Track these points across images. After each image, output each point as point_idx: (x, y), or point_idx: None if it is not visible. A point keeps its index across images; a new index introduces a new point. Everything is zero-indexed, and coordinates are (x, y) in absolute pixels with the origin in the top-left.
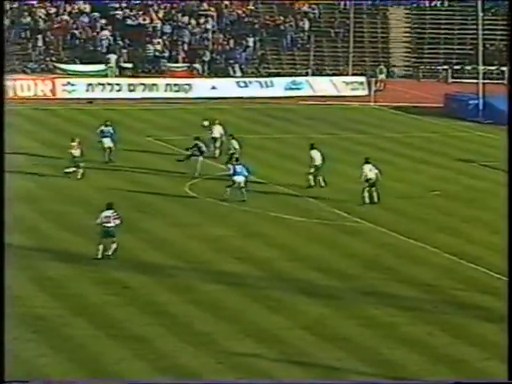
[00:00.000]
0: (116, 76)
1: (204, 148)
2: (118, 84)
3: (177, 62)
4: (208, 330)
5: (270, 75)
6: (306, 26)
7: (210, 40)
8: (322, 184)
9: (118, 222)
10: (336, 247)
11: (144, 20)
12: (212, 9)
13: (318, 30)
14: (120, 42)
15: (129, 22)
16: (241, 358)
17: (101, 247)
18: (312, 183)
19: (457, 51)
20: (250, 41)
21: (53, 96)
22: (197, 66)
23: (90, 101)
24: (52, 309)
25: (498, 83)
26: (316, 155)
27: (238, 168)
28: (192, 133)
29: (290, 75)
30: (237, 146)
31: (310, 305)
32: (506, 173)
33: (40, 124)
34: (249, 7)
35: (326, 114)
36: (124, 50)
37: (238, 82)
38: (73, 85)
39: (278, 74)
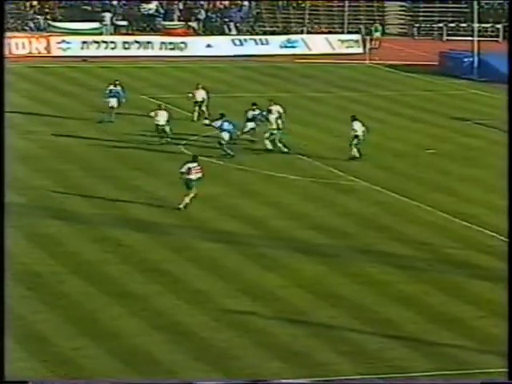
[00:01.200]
0: (111, 34)
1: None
2: (112, 42)
3: (172, 20)
4: (204, 288)
5: (265, 33)
6: None
7: None
8: (357, 155)
9: (199, 175)
10: (331, 205)
11: None
12: None
13: None
14: (115, 1)
15: None
16: (237, 315)
17: (185, 197)
18: (357, 155)
19: (452, 9)
20: None
21: (47, 54)
22: (192, 24)
23: (85, 59)
24: (48, 266)
25: (492, 40)
26: (357, 126)
27: (225, 124)
28: (187, 90)
29: (285, 33)
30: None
31: (306, 263)
32: (501, 131)
33: (35, 82)
34: None
35: (321, 72)
36: (119, 9)
37: (233, 40)
38: (68, 43)
39: (273, 33)
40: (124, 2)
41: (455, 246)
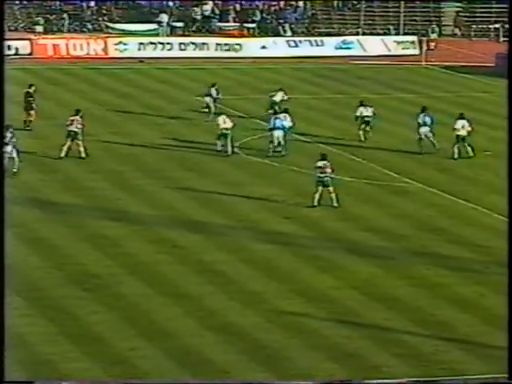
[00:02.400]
0: (167, 35)
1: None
2: (168, 43)
3: (227, 21)
4: (258, 289)
5: (320, 34)
6: None
7: (261, 0)
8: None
9: (329, 170)
10: (386, 207)
11: None
12: None
13: None
14: (171, 2)
15: None
16: (290, 316)
17: (316, 195)
18: (455, 155)
19: (509, 10)
20: (301, 1)
21: (105, 55)
22: (247, 25)
23: (142, 60)
24: (105, 267)
25: None
26: (459, 124)
27: (277, 122)
28: (242, 92)
29: (341, 35)
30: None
31: (360, 265)
32: None
33: (92, 83)
34: None
35: (376, 73)
36: (176, 10)
37: (288, 42)
38: (125, 44)
39: (328, 34)
40: (180, 3)
41: None
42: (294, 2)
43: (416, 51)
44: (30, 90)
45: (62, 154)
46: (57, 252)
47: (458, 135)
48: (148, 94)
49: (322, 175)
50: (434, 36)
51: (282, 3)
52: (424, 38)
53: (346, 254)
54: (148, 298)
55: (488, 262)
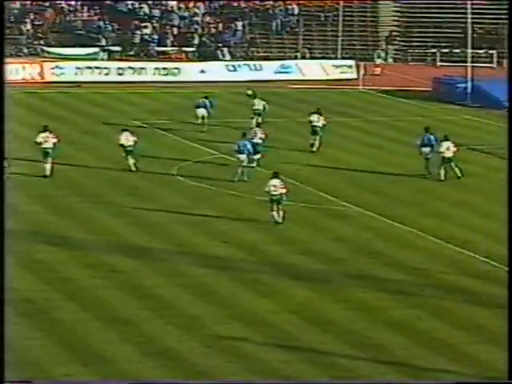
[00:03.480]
0: (105, 60)
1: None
2: (106, 67)
3: (166, 45)
4: (196, 314)
5: (259, 59)
6: (296, 9)
7: (200, 24)
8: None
9: (283, 190)
10: (323, 231)
11: (133, 5)
12: None
13: (308, 14)
14: (109, 26)
15: (118, 6)
16: (228, 341)
17: (274, 213)
18: (442, 177)
19: (445, 34)
20: (240, 24)
21: (41, 79)
22: (186, 49)
23: (79, 84)
24: (40, 292)
25: (486, 67)
26: (444, 146)
27: (242, 145)
28: (180, 116)
29: (280, 59)
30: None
31: (298, 289)
32: (496, 157)
33: (28, 107)
34: None
35: (315, 97)
36: (113, 34)
37: (227, 66)
38: (61, 68)
39: (267, 58)
40: (118, 27)
41: (448, 271)
42: (232, 26)
43: (353, 75)
44: None
45: (47, 173)
46: None
47: (443, 157)
48: (85, 118)
49: (276, 193)
50: (379, 61)
51: (220, 26)
52: (361, 63)
53: (284, 277)
54: (85, 323)
55: (424, 284)
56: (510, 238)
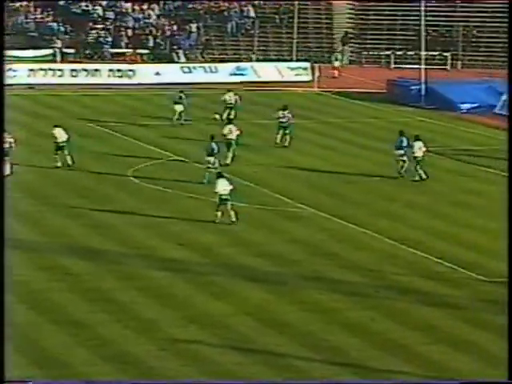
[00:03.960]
0: (58, 61)
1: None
2: (60, 69)
3: (120, 47)
4: (151, 317)
5: (214, 61)
6: (251, 11)
7: (154, 26)
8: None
9: (231, 188)
10: (279, 233)
11: (87, 6)
12: None
13: (263, 16)
14: (63, 28)
15: (72, 8)
16: (184, 344)
17: (219, 213)
18: (418, 177)
19: (399, 37)
20: (194, 26)
21: None
22: (140, 51)
23: (32, 86)
24: None
25: (439, 69)
26: (416, 146)
27: (211, 147)
28: (135, 119)
29: (235, 61)
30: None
31: (254, 290)
32: (448, 158)
33: None
34: None
35: (270, 99)
36: (67, 36)
37: (182, 68)
38: (14, 70)
39: (222, 60)
40: (71, 28)
41: (402, 273)
42: (187, 27)
43: (308, 77)
44: None
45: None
46: None
47: (415, 157)
48: (38, 120)
49: (225, 193)
50: (337, 64)
51: (175, 28)
52: (316, 65)
53: (240, 279)
54: (39, 326)
55: (378, 286)
56: (510, 238)
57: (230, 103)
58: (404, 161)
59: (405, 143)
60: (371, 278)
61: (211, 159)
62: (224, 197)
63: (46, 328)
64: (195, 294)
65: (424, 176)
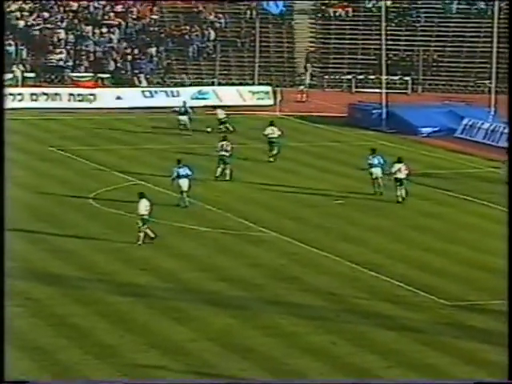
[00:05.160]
0: (19, 86)
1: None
2: (20, 94)
3: (80, 71)
4: (113, 343)
5: (175, 85)
6: (212, 35)
7: (115, 49)
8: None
9: (150, 208)
10: (241, 257)
11: (47, 29)
12: (117, 18)
13: (224, 40)
14: (23, 52)
15: (31, 31)
16: (146, 369)
17: (141, 235)
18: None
19: (361, 61)
20: (155, 50)
21: None
22: (101, 75)
23: None
24: None
25: (400, 93)
26: (396, 167)
27: (181, 171)
28: (96, 142)
29: (197, 85)
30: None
31: (216, 315)
32: (410, 182)
33: None
34: (154, 16)
35: (232, 123)
36: (27, 60)
37: (143, 92)
38: None
39: (183, 84)
40: (31, 52)
41: (363, 296)
42: (148, 51)
43: (270, 101)
44: None
45: None
46: None
47: (396, 178)
48: None
49: (147, 213)
50: (302, 88)
51: (136, 52)
52: (278, 89)
53: (202, 304)
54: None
55: (339, 310)
56: (510, 238)
57: (221, 118)
58: (381, 177)
59: (379, 161)
60: (332, 301)
61: (182, 181)
62: (145, 217)
63: (6, 353)
64: (157, 320)
65: (400, 199)
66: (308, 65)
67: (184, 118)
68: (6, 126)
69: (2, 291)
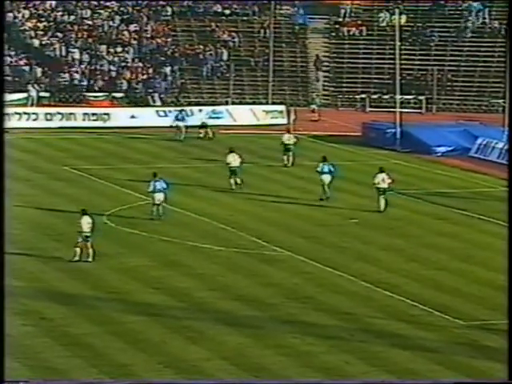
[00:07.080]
0: (34, 105)
1: None
2: (34, 113)
3: (95, 91)
4: (127, 362)
5: (189, 104)
6: (226, 54)
7: (129, 69)
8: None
9: (91, 225)
10: (255, 276)
11: (62, 49)
12: (131, 38)
13: (238, 59)
14: (38, 72)
15: (46, 50)
16: None
17: (78, 250)
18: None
19: (375, 80)
20: (169, 70)
21: None
22: (116, 95)
23: (6, 130)
24: None
25: (415, 112)
26: (379, 178)
27: (158, 185)
28: (111, 162)
29: (210, 104)
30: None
31: (230, 335)
32: (424, 201)
33: None
34: (168, 39)
35: (246, 142)
36: (41, 79)
37: (157, 111)
38: None
39: (197, 103)
40: (46, 71)
41: (377, 316)
42: (162, 71)
43: (284, 120)
44: None
45: None
46: None
47: (378, 188)
48: (13, 164)
49: (88, 231)
50: (313, 107)
51: (150, 71)
52: (292, 108)
53: (216, 323)
54: (14, 372)
55: (353, 329)
56: (510, 239)
57: (287, 144)
58: (328, 184)
59: (329, 168)
60: (346, 321)
61: (158, 195)
62: (86, 234)
63: (21, 374)
64: (171, 339)
65: (382, 208)
66: (318, 83)
67: (180, 123)
68: (20, 145)
69: (2, 291)
